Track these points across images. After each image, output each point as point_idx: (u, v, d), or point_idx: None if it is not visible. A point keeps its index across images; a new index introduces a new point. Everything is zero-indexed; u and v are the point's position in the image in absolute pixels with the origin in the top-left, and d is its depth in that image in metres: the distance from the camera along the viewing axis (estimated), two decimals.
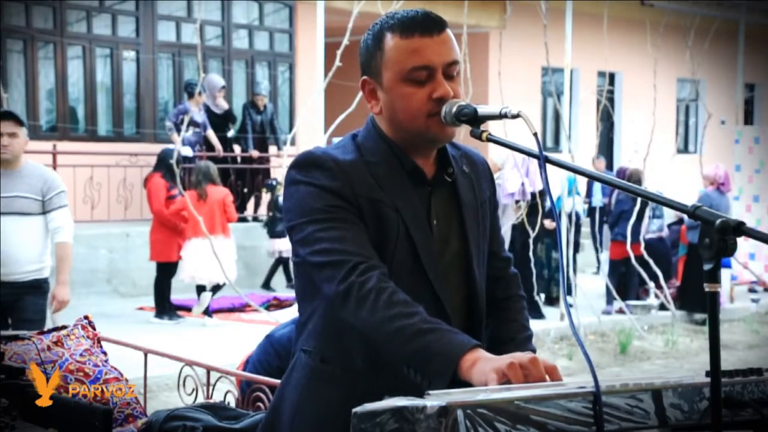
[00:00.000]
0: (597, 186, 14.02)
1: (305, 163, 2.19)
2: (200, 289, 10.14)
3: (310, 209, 2.15)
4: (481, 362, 1.92)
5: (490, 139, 2.14)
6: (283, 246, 11.54)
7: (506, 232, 10.33)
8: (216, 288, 10.18)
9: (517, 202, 10.71)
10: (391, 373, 2.10)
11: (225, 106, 12.93)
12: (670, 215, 12.49)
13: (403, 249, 2.18)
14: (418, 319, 2.01)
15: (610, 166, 17.89)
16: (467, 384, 1.92)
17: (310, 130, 11.44)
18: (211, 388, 3.99)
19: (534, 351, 2.28)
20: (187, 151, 11.39)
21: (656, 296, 11.76)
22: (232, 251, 10.13)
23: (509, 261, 2.48)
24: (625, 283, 11.71)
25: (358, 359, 2.17)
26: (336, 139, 12.13)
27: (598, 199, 14.09)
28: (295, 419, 2.23)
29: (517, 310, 2.41)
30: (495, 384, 1.87)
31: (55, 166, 11.71)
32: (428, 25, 2.18)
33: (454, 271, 2.26)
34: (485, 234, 2.35)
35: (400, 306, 2.03)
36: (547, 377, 1.91)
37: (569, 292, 10.53)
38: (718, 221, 1.74)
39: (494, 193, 2.43)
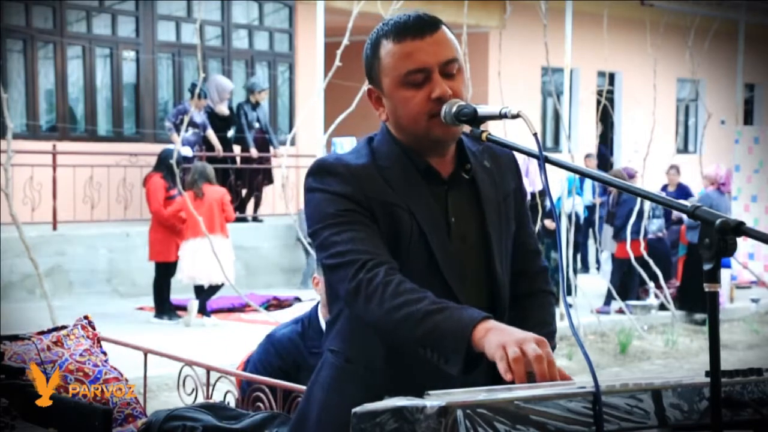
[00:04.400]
0: (588, 184, 14.01)
1: (318, 171, 2.24)
2: (198, 289, 10.12)
3: (325, 215, 2.19)
4: (493, 332, 1.93)
5: (490, 139, 2.15)
6: None
7: None
8: (213, 289, 10.16)
9: None
10: (412, 372, 2.13)
11: (225, 112, 12.89)
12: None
13: (418, 250, 2.19)
14: (426, 302, 2.03)
15: (610, 165, 17.87)
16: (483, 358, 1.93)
17: (310, 130, 11.44)
18: (211, 388, 3.99)
19: (553, 348, 2.23)
20: (187, 151, 11.39)
21: (656, 296, 11.75)
22: (229, 251, 10.10)
23: (538, 254, 2.44)
24: (625, 283, 11.71)
25: (379, 359, 2.20)
26: (336, 140, 12.20)
27: (587, 198, 14.08)
28: (322, 417, 2.27)
29: (541, 305, 2.39)
30: (498, 360, 1.87)
31: (55, 166, 11.73)
32: (420, 27, 2.19)
33: (474, 269, 2.26)
34: (509, 229, 2.34)
35: (407, 294, 2.05)
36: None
37: (569, 292, 10.53)
38: (718, 221, 1.74)
39: (521, 184, 2.41)
